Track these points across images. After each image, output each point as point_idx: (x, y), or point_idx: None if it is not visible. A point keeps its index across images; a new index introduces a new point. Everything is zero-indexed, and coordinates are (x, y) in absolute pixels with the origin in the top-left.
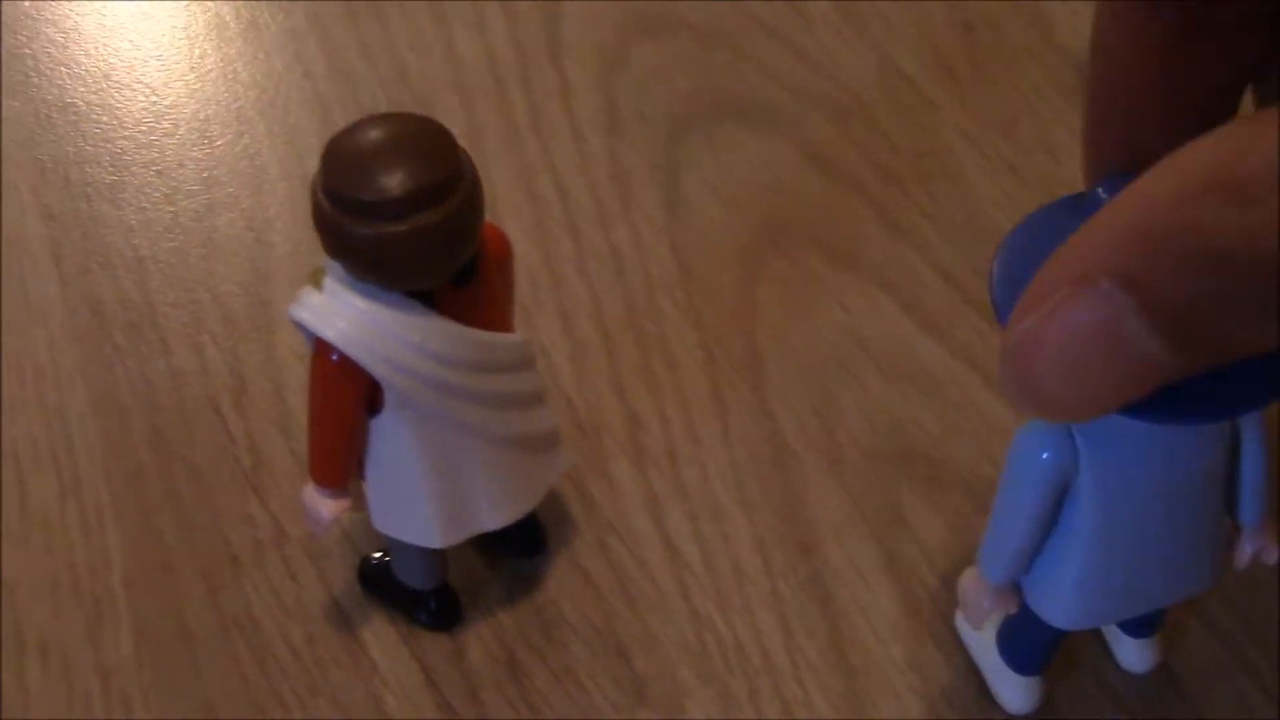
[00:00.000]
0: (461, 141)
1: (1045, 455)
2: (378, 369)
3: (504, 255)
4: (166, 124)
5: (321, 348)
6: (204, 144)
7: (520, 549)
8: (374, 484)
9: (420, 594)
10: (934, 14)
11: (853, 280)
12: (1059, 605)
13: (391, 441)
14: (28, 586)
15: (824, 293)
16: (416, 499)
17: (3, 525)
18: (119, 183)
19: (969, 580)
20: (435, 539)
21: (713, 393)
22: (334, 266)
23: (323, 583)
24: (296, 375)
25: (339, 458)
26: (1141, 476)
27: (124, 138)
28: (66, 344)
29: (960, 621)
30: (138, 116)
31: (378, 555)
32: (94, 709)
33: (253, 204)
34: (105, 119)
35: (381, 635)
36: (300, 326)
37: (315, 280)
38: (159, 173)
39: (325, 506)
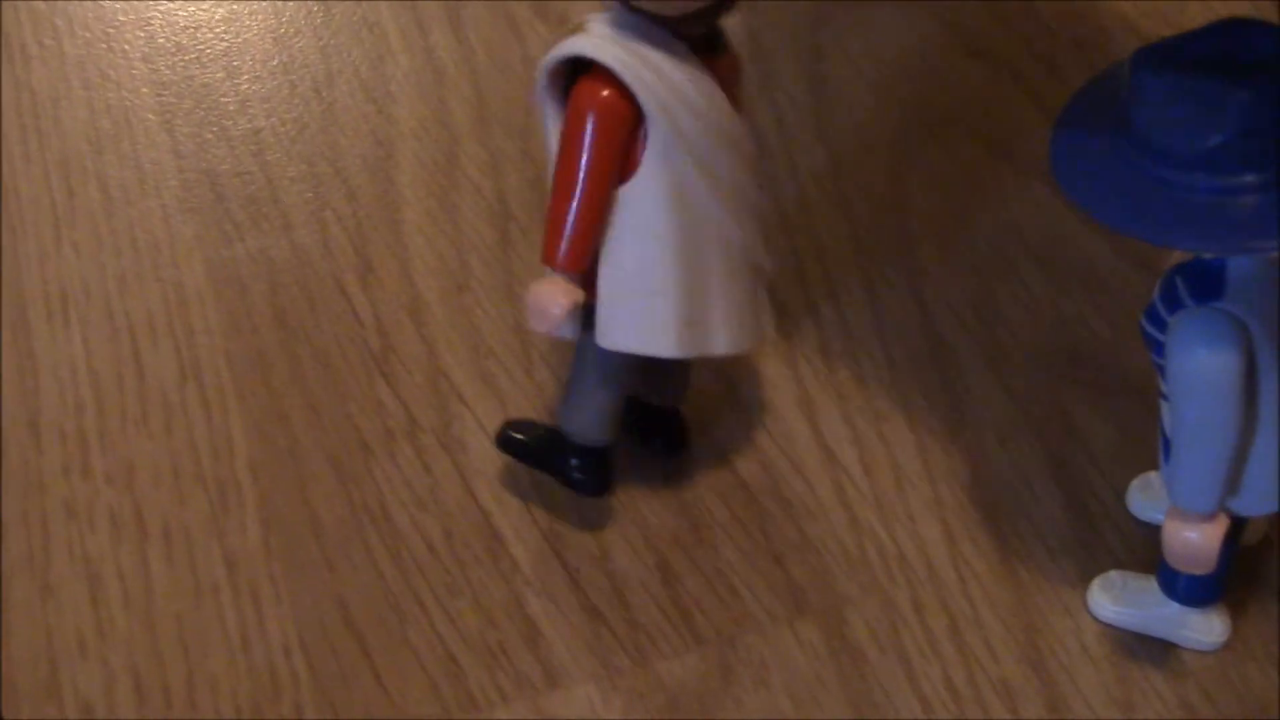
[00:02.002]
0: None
1: (1230, 341)
2: (648, 101)
3: (738, 71)
4: None
5: (591, 85)
6: (321, 10)
7: (663, 445)
8: (609, 279)
9: (582, 450)
10: None
11: (1011, 172)
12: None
13: (639, 218)
14: (148, 469)
15: (981, 184)
16: (658, 293)
17: (121, 404)
18: (232, 48)
19: (1187, 532)
20: (670, 345)
21: (865, 286)
22: (599, 18)
23: (459, 475)
24: (425, 257)
25: (587, 231)
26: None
27: (237, 1)
28: (182, 217)
29: (1097, 605)
30: None
31: (520, 422)
32: (221, 598)
33: (373, 75)
34: None
35: (523, 533)
36: (562, 61)
37: (576, 29)
38: (275, 39)
39: (562, 296)
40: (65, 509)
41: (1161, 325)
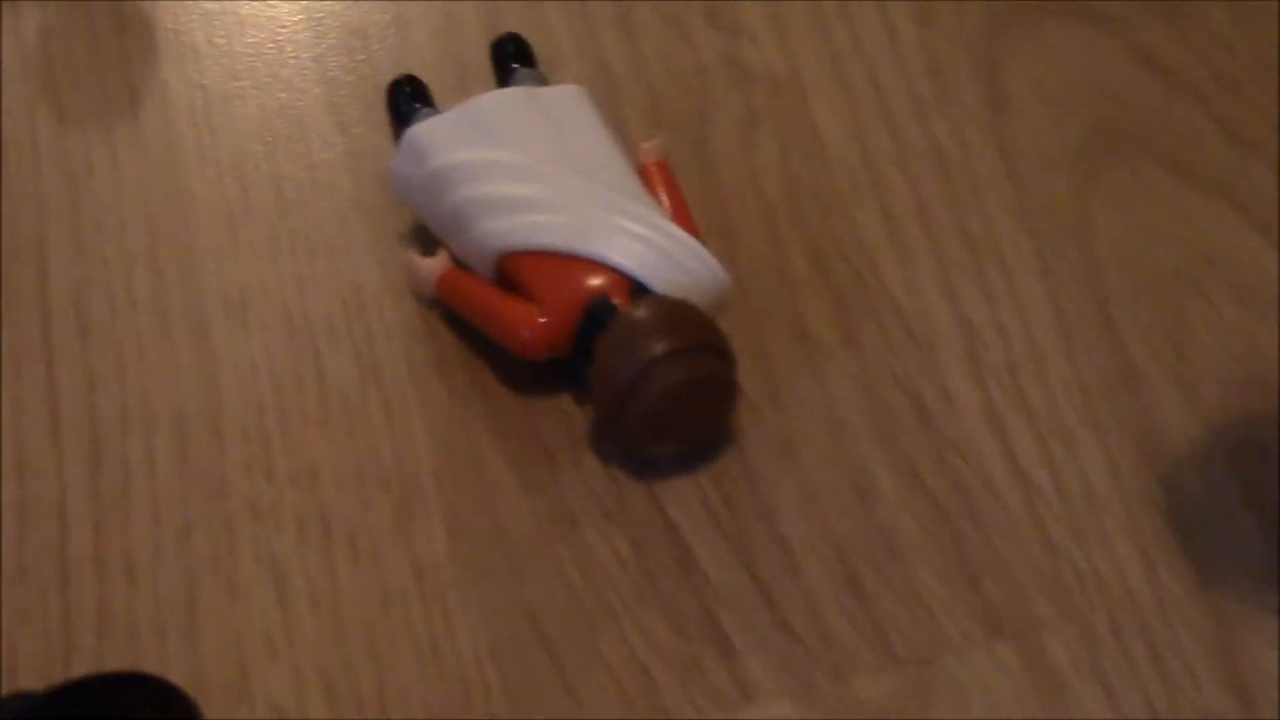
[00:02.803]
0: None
1: None
2: None
3: None
4: None
5: None
6: (489, 11)
7: None
8: None
9: None
10: None
11: (1198, 195)
12: None
13: None
14: (331, 472)
15: (1166, 206)
16: None
17: (302, 406)
18: (402, 50)
19: None
20: None
21: (1052, 304)
22: None
23: (645, 487)
24: None
25: None
26: None
27: (407, 3)
28: (357, 218)
29: None
30: None
31: None
32: (410, 605)
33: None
34: None
35: (712, 546)
36: None
37: None
38: (444, 42)
39: None
40: (250, 510)
41: None
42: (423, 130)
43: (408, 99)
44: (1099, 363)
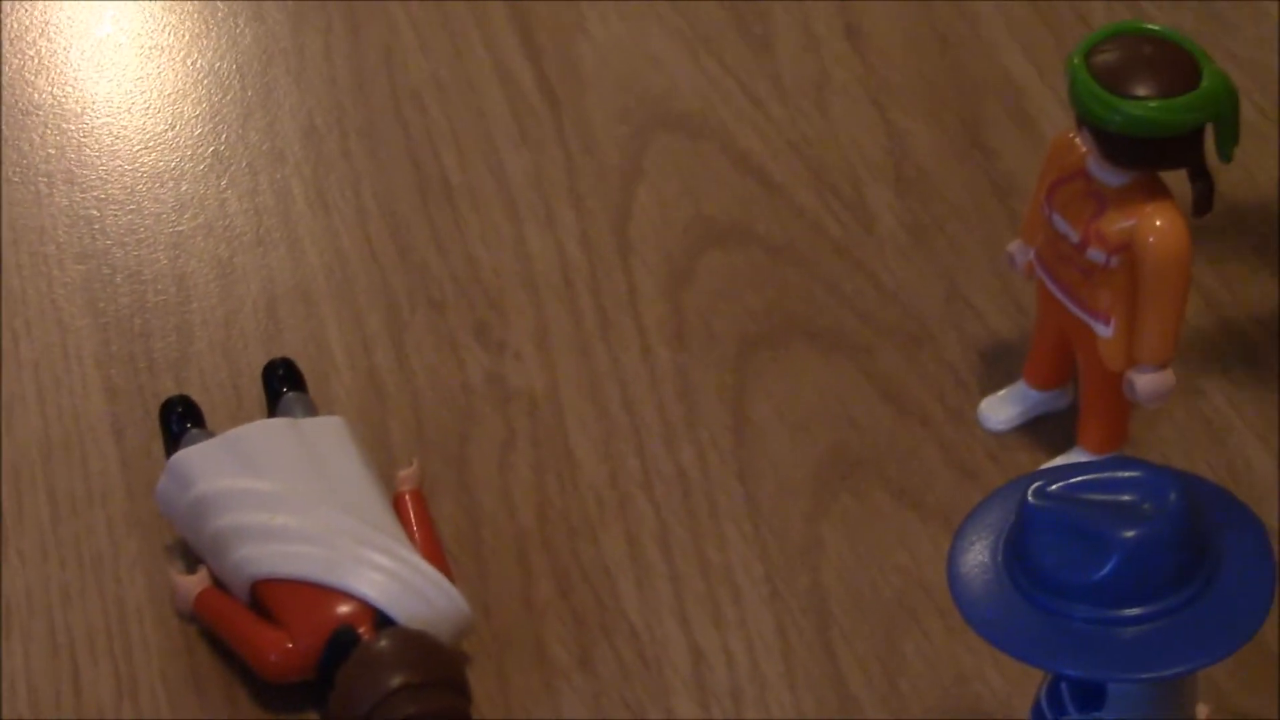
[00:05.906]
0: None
1: None
2: None
3: None
4: (234, 298)
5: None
6: (270, 324)
7: None
8: None
9: None
10: (1003, 242)
11: (918, 521)
12: None
13: None
14: None
15: (890, 533)
16: None
17: None
18: (182, 358)
19: None
20: None
21: (778, 631)
22: None
23: None
24: None
25: None
26: None
27: (191, 310)
28: (127, 530)
29: None
30: (205, 289)
31: None
32: None
33: (317, 393)
34: (172, 288)
35: None
36: None
37: None
38: (224, 354)
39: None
40: None
41: None
42: (187, 457)
43: (179, 419)
44: (817, 691)
